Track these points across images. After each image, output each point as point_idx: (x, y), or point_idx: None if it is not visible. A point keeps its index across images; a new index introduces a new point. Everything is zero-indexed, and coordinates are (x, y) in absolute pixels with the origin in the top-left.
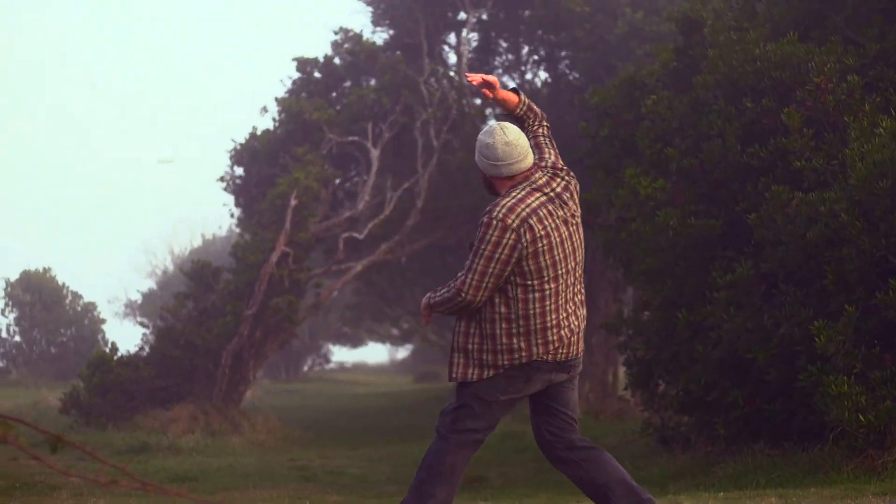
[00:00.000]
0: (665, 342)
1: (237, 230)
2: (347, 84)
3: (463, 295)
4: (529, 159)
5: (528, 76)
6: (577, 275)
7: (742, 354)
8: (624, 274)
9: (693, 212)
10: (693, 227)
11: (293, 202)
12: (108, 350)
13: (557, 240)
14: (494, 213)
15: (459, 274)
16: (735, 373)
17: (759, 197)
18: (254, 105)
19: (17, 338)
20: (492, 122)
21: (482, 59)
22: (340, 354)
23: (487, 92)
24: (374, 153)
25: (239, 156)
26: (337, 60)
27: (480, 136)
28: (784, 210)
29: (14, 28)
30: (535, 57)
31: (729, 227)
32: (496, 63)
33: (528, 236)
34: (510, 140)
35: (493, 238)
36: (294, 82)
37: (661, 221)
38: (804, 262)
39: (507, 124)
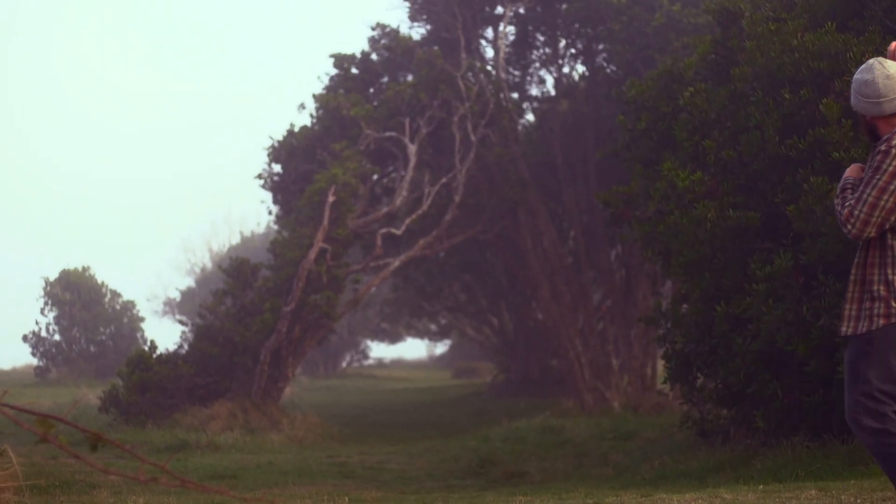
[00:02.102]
0: (704, 335)
1: (275, 227)
2: (385, 80)
3: (849, 227)
4: None
5: (566, 70)
6: None
7: (781, 346)
8: (662, 267)
9: (731, 204)
10: (731, 220)
11: (331, 198)
12: (147, 348)
13: None
14: (895, 142)
15: (847, 202)
16: (774, 365)
17: (797, 188)
18: (292, 102)
19: (57, 336)
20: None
21: (519, 52)
22: (379, 350)
23: None
24: (412, 148)
25: (277, 153)
26: (374, 56)
27: (857, 76)
28: (823, 201)
29: (55, 29)
30: (573, 50)
31: (767, 219)
32: (533, 56)
33: None
34: (891, 73)
35: (892, 168)
36: (331, 78)
37: (700, 214)
38: (843, 253)
39: (884, 59)
